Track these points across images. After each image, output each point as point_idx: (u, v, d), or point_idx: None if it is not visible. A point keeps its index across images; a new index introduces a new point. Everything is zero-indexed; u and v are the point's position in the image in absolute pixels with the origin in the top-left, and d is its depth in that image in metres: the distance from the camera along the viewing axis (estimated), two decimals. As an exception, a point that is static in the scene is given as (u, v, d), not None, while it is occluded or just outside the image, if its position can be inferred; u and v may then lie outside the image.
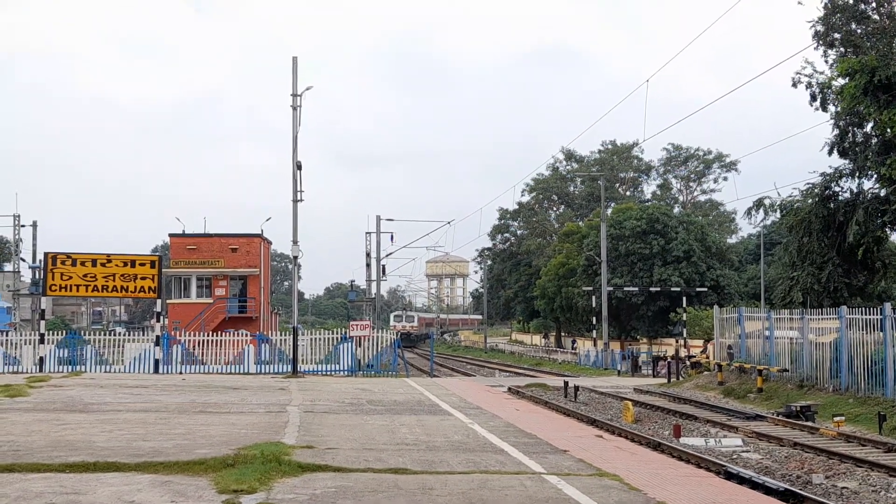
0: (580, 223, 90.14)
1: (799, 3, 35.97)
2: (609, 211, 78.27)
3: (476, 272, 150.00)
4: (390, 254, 76.55)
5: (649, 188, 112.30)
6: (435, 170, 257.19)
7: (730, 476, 16.88)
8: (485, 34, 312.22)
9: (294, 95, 35.83)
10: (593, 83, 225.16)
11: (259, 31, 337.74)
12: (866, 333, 30.86)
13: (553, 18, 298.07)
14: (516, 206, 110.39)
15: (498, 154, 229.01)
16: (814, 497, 16.13)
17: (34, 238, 71.26)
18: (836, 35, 35.34)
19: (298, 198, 36.24)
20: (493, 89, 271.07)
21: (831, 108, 35.41)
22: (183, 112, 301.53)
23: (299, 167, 36.09)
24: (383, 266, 73.93)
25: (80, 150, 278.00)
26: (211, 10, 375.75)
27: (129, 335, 48.35)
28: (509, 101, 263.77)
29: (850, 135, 35.22)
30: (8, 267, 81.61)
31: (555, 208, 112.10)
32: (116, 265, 36.42)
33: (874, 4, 34.97)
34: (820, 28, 35.52)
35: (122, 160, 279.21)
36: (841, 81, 34.01)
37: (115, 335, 48.08)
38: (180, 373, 37.44)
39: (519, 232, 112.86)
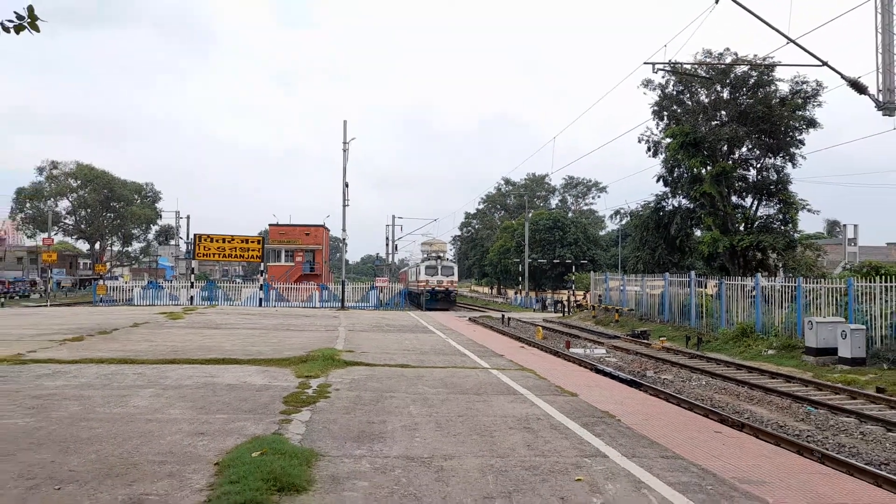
0: (513, 222, 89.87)
1: (644, 93, 36.09)
2: (530, 215, 78.21)
3: (451, 250, 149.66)
4: (400, 238, 76.65)
5: (554, 201, 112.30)
6: (428, 189, 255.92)
7: (598, 371, 17.02)
8: (461, 107, 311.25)
9: (344, 143, 35.79)
10: (525, 137, 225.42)
11: (324, 102, 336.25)
12: (679, 288, 31.11)
13: (503, 96, 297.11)
14: (475, 211, 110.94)
15: (466, 180, 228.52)
16: (646, 384, 16.27)
17: (188, 225, 71.07)
18: (665, 113, 35.42)
19: (346, 203, 36.22)
20: (466, 141, 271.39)
21: (660, 155, 35.58)
22: (279, 151, 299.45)
23: (346, 185, 36.05)
24: (396, 245, 74.05)
25: (217, 171, 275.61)
26: (292, 89, 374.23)
27: (244, 284, 48.36)
28: (475, 148, 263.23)
29: (672, 172, 35.38)
30: (172, 242, 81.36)
31: (498, 212, 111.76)
32: (237, 242, 36.32)
33: (688, 94, 35.01)
34: (656, 108, 35.59)
35: (243, 178, 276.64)
36: (667, 140, 34.15)
37: (235, 284, 48.03)
38: (274, 307, 37.39)
39: (477, 226, 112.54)
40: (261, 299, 38.03)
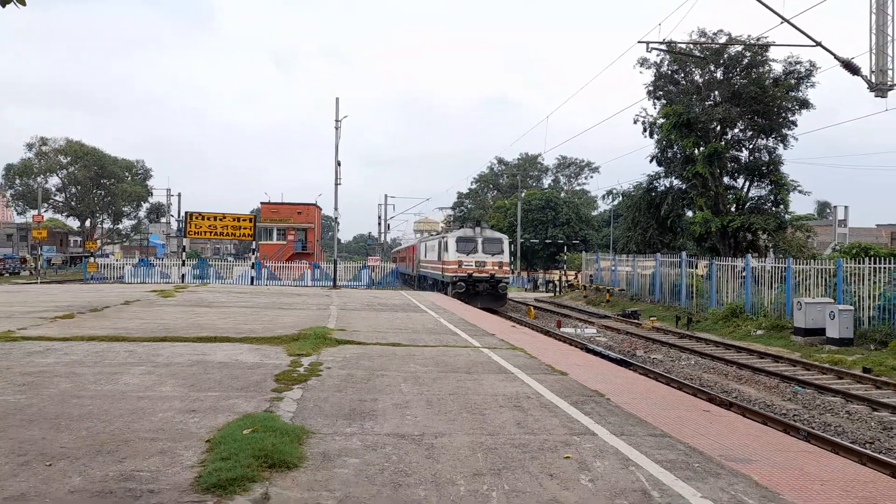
0: (506, 201, 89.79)
1: (640, 73, 36.05)
2: (523, 194, 78.16)
3: (442, 229, 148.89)
4: (392, 217, 76.47)
5: (546, 181, 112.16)
6: (421, 168, 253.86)
7: (589, 350, 17.13)
8: (456, 87, 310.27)
9: (336, 120, 35.51)
10: (521, 117, 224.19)
11: (318, 80, 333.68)
12: (670, 269, 31.24)
13: (496, 78, 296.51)
14: (468, 191, 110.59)
15: (460, 159, 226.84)
16: (636, 363, 16.40)
17: (179, 203, 71.25)
18: (660, 92, 35.35)
19: (338, 182, 36.03)
20: (460, 120, 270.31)
21: (655, 136, 35.52)
22: (272, 130, 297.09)
23: (339, 164, 35.83)
24: (388, 224, 74.09)
25: (209, 149, 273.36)
26: (287, 68, 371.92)
27: (235, 262, 48.30)
28: (469, 128, 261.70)
29: (665, 152, 35.38)
30: (163, 220, 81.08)
31: (491, 192, 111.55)
32: (228, 220, 36.14)
33: (683, 74, 34.91)
34: (651, 88, 35.50)
35: (235, 156, 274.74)
36: (661, 120, 34.11)
37: (227, 262, 47.94)
38: (266, 285, 37.35)
39: (469, 206, 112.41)
40: (252, 278, 37.97)
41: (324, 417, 6.64)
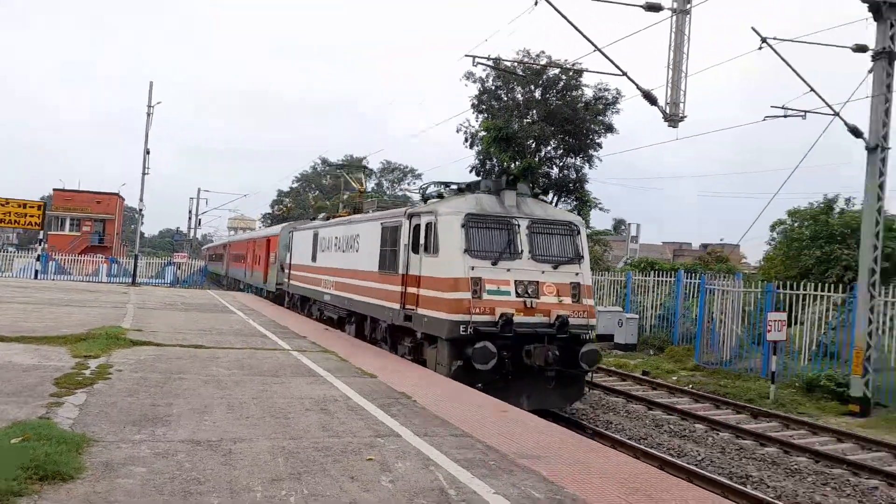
0: (328, 202, 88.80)
1: (465, 85, 37.14)
2: (345, 196, 77.81)
3: (259, 227, 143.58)
4: (205, 212, 71.61)
5: (370, 185, 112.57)
6: (248, 164, 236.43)
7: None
8: (294, 88, 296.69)
9: (148, 106, 33.22)
10: (362, 121, 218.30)
11: (136, 66, 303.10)
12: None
13: (348, 82, 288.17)
14: (288, 189, 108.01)
15: (288, 155, 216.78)
16: (446, 367, 16.80)
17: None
18: (483, 106, 36.70)
19: (146, 171, 33.62)
20: (297, 121, 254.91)
21: (476, 147, 36.85)
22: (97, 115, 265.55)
23: (147, 153, 33.48)
24: (199, 219, 70.39)
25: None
26: (99, 47, 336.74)
27: (18, 253, 43.50)
28: (306, 129, 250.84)
29: (484, 164, 36.92)
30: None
31: (313, 192, 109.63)
32: (13, 206, 32.46)
33: (506, 90, 36.61)
34: (475, 102, 36.76)
35: (32, 138, 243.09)
36: (483, 133, 35.55)
37: (7, 252, 42.99)
38: (53, 280, 33.93)
39: (290, 205, 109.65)
40: (37, 271, 34.27)
41: (110, 424, 6.17)
